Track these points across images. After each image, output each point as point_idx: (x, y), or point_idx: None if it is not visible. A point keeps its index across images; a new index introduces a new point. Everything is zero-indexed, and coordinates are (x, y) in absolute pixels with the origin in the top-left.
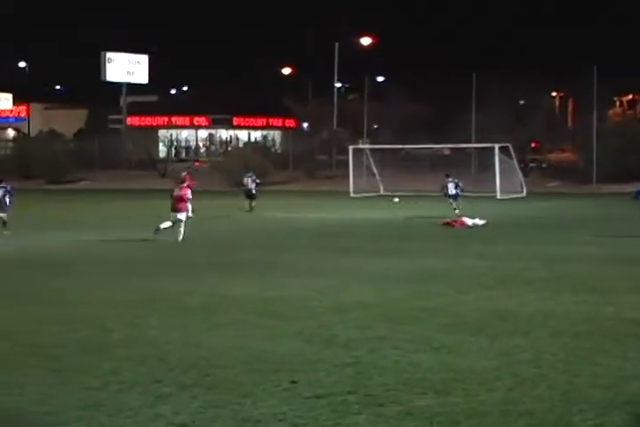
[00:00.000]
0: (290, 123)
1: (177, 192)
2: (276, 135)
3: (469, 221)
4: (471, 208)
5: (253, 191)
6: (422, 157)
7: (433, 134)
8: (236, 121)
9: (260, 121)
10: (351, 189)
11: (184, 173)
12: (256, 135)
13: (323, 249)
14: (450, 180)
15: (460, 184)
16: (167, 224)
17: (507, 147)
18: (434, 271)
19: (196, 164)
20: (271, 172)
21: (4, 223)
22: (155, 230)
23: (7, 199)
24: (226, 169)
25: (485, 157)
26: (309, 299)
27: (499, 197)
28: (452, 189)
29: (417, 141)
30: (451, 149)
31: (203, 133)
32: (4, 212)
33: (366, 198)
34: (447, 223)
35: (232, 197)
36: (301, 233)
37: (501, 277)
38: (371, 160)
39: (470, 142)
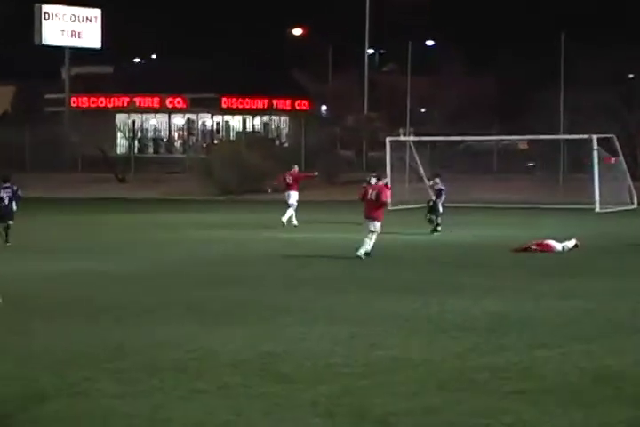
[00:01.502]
0: (302, 105)
1: (371, 194)
2: (282, 122)
3: (558, 246)
4: (558, 226)
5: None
6: (488, 153)
7: (503, 122)
8: (225, 102)
9: (260, 103)
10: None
11: (372, 177)
12: (254, 123)
13: (347, 284)
14: (437, 182)
15: (443, 191)
16: (368, 245)
17: (609, 139)
18: (504, 316)
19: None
20: (274, 174)
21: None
22: (359, 253)
23: (14, 205)
24: (209, 170)
25: (578, 153)
26: (329, 355)
27: (598, 209)
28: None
29: (481, 131)
30: (528, 141)
31: (179, 120)
32: (11, 219)
33: (409, 211)
34: (526, 249)
35: (216, 210)
36: (317, 262)
37: (600, 325)
38: (416, 157)
39: (557, 133)
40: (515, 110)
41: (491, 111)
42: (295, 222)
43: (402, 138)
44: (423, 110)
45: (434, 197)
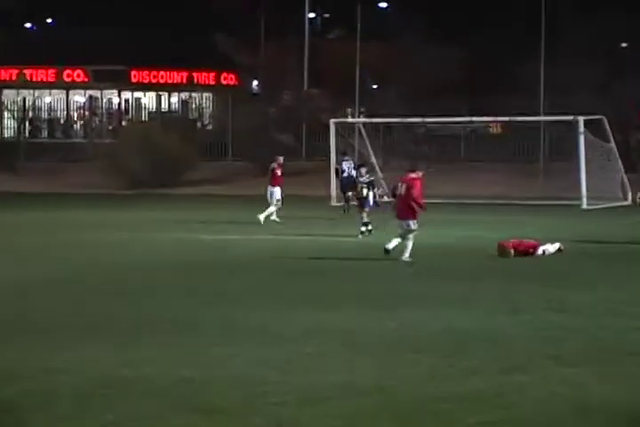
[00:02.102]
0: (228, 79)
1: (402, 188)
2: (204, 100)
3: (539, 249)
4: (538, 226)
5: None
6: (454, 138)
7: (472, 100)
8: (135, 76)
9: (178, 76)
10: (332, 192)
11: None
12: (171, 101)
13: (282, 296)
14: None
15: (366, 174)
16: (394, 242)
17: (598, 121)
18: (473, 333)
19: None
20: (195, 163)
21: None
22: (385, 251)
23: None
24: (116, 158)
25: (562, 138)
26: (261, 380)
27: (585, 206)
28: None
29: (445, 112)
30: (502, 124)
31: (79, 98)
32: None
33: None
34: (503, 250)
35: (125, 206)
36: (244, 269)
37: (586, 346)
38: (367, 144)
39: (536, 114)
40: (486, 88)
41: (458, 88)
42: (278, 219)
43: (350, 120)
44: (376, 86)
45: (364, 192)
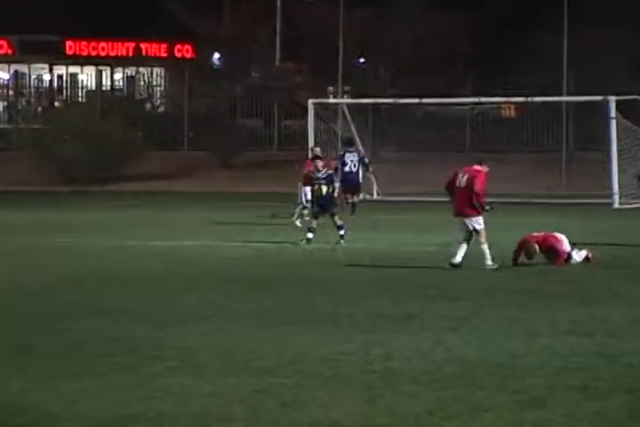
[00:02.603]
0: (184, 52)
1: (461, 180)
2: (155, 77)
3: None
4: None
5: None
6: (458, 123)
7: (480, 78)
8: (71, 48)
9: (123, 48)
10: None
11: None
12: (115, 77)
13: (248, 315)
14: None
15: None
16: (460, 252)
17: (633, 103)
18: (478, 362)
19: None
20: (142, 153)
21: None
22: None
23: None
24: (47, 148)
25: (588, 122)
26: (226, 417)
27: (617, 205)
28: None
29: (447, 92)
30: (516, 105)
31: (1, 73)
32: None
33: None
34: (527, 247)
35: (57, 206)
36: (204, 282)
37: (618, 375)
38: (353, 129)
39: (558, 93)
40: (496, 62)
41: (462, 63)
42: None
43: (332, 100)
44: (363, 60)
45: (324, 189)
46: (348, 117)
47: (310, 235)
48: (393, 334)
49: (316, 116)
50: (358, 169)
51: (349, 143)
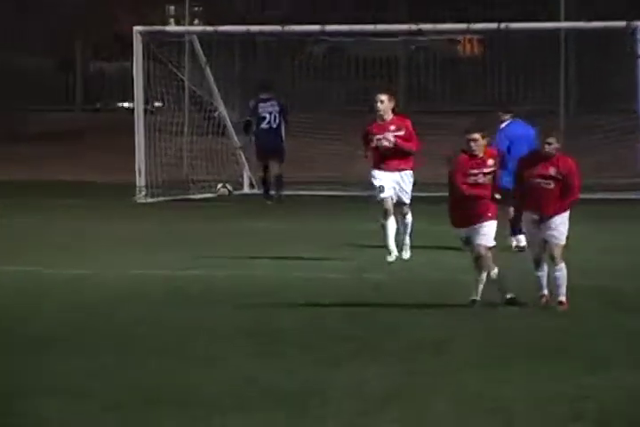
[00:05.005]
0: None
1: (478, 176)
2: None
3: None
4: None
5: None
6: (382, 66)
7: None
8: None
9: None
10: (138, 174)
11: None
12: None
13: (203, 345)
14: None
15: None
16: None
17: None
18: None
19: None
20: None
21: None
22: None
23: None
24: None
25: (599, 67)
26: None
27: None
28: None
29: (365, 15)
30: (478, 38)
31: None
32: None
33: (205, 205)
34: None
35: None
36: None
37: None
38: (209, 75)
39: (552, 18)
40: None
41: None
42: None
43: (172, 28)
44: None
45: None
46: (202, 57)
47: None
48: (365, 363)
49: (146, 52)
50: (280, 124)
51: (265, 88)
